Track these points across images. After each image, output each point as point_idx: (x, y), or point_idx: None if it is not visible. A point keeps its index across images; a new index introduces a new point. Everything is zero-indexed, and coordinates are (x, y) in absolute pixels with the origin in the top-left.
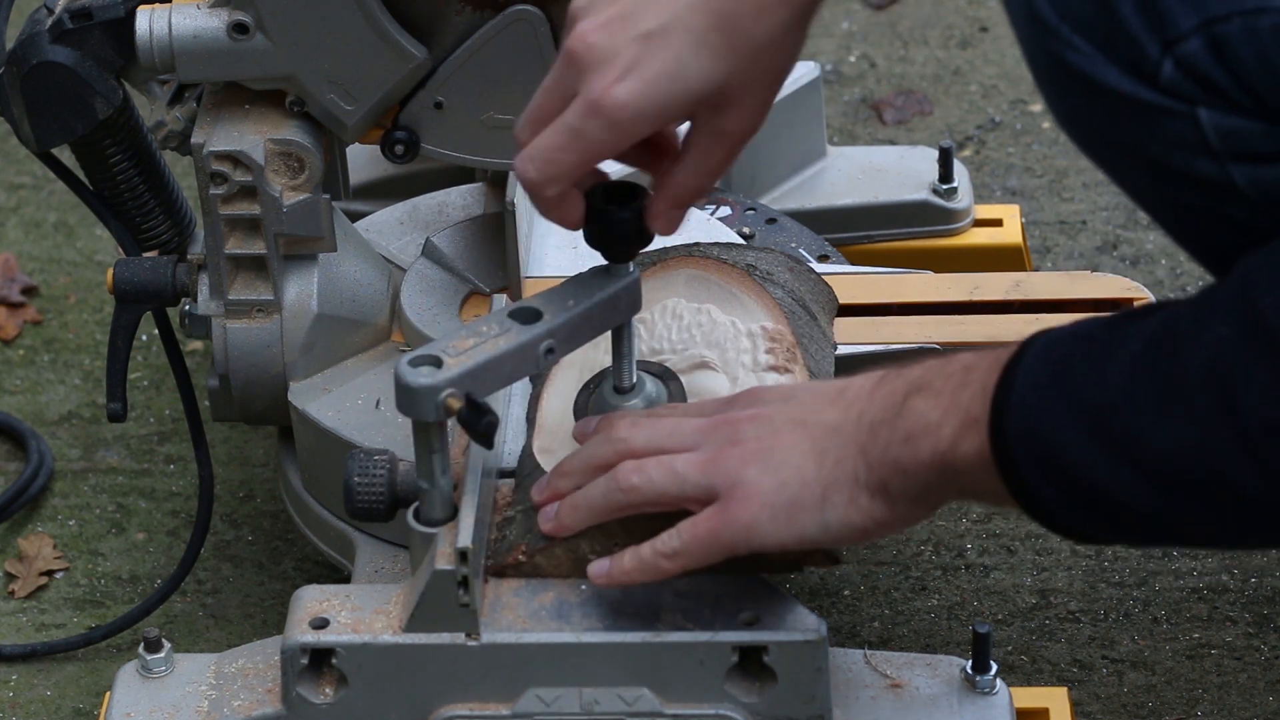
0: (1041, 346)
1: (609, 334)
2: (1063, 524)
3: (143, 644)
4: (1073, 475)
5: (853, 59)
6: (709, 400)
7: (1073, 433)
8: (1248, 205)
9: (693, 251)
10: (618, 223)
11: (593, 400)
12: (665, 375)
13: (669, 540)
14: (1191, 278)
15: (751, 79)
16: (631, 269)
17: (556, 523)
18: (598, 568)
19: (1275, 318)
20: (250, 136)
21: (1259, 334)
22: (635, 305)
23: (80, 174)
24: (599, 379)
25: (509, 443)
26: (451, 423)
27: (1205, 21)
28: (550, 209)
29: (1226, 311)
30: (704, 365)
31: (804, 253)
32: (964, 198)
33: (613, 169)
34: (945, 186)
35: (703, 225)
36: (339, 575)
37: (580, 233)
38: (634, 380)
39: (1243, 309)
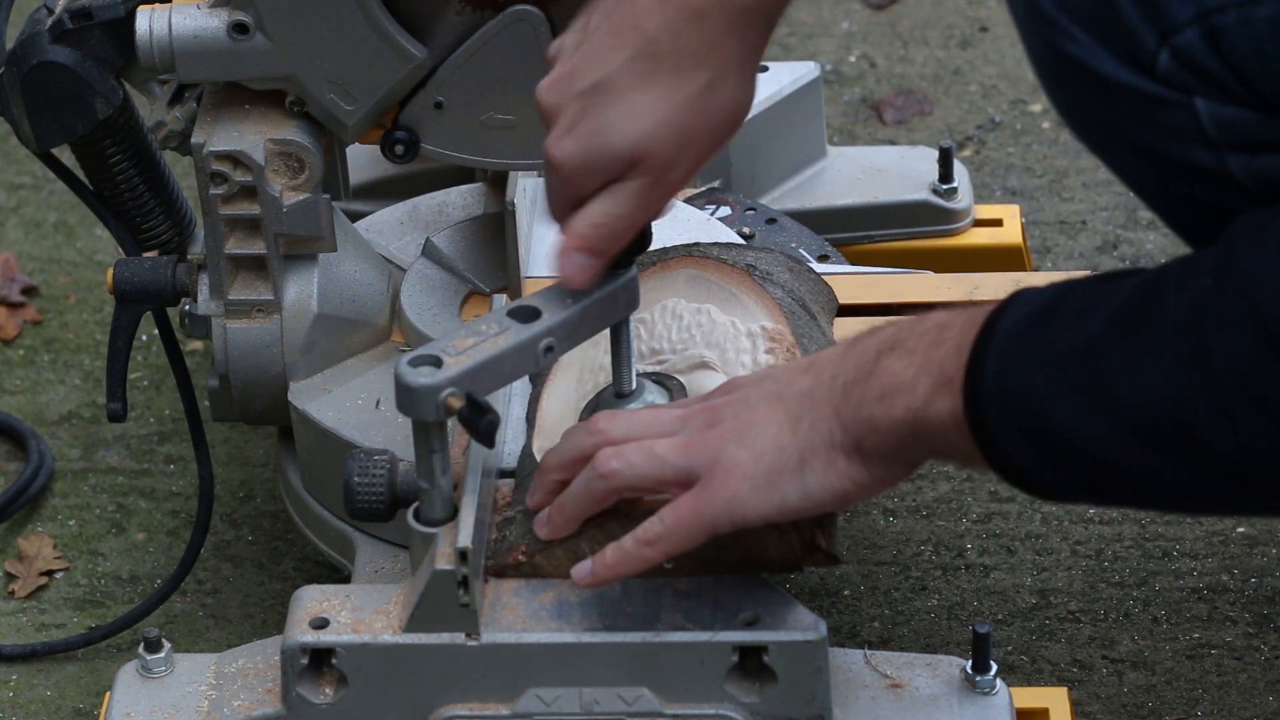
0: (1024, 300)
1: (608, 333)
2: (1032, 481)
3: (143, 644)
4: (1043, 426)
5: (853, 59)
6: (691, 398)
7: (1045, 381)
8: (1245, 195)
9: (692, 251)
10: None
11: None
12: (667, 381)
13: (650, 527)
14: None
15: (673, 137)
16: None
17: (550, 528)
18: (580, 570)
19: (1253, 271)
20: (250, 136)
21: (1237, 287)
22: (633, 302)
23: (80, 174)
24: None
25: (509, 443)
26: (451, 422)
27: (1201, 12)
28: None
29: (1212, 264)
30: (704, 365)
31: (804, 253)
32: (964, 198)
33: None
34: (945, 186)
35: (702, 225)
36: (339, 575)
37: None
38: (634, 385)
39: (1225, 262)
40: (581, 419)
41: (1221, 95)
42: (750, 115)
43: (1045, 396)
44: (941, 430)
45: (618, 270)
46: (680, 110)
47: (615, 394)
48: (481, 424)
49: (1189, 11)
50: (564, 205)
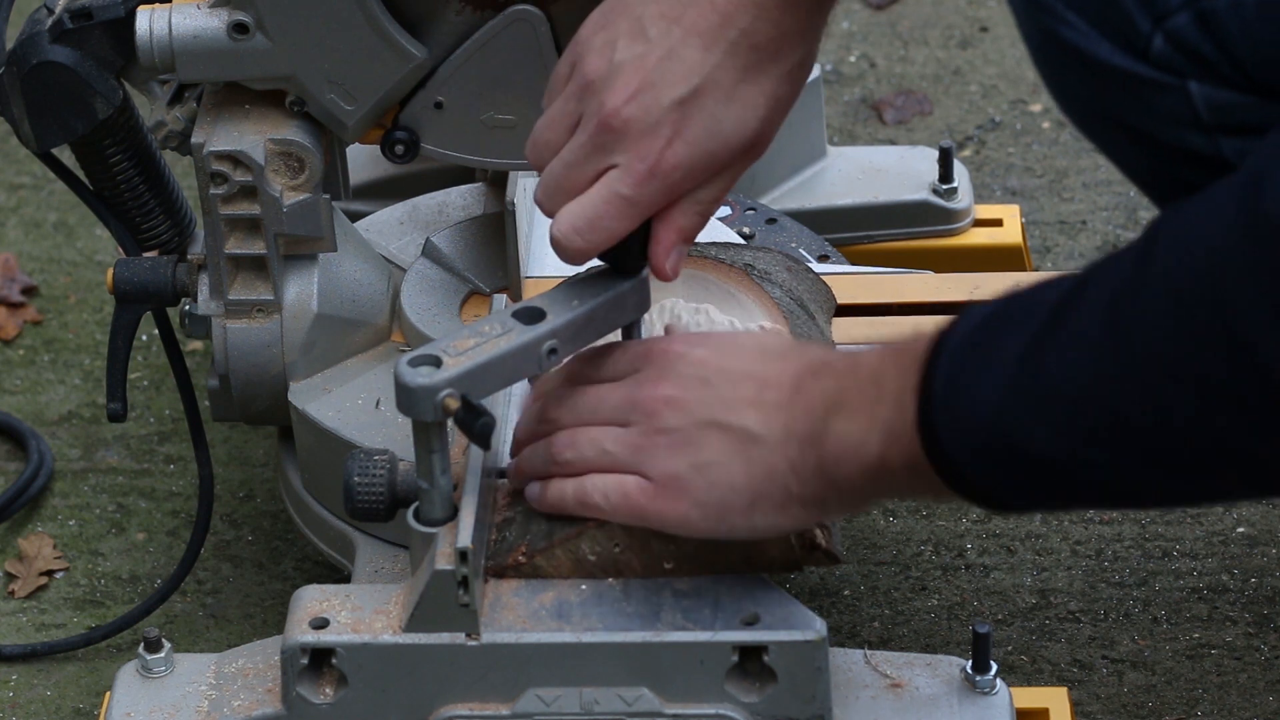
0: (969, 315)
1: (609, 335)
2: (994, 497)
3: (143, 644)
4: (994, 437)
5: (853, 59)
6: (630, 345)
7: (991, 392)
8: None
9: (691, 251)
10: (628, 238)
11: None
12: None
13: (592, 497)
14: None
15: (780, 115)
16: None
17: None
18: (531, 491)
19: (1167, 265)
20: (250, 136)
21: (1154, 277)
22: (643, 305)
23: (80, 174)
24: None
25: (509, 443)
26: (451, 422)
27: None
28: (577, 261)
29: (1134, 256)
30: None
31: (804, 253)
32: (964, 198)
33: None
34: (945, 186)
35: None
36: (339, 575)
37: None
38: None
39: (1145, 252)
40: None
41: (1214, 79)
42: None
43: (992, 406)
44: (903, 476)
45: (626, 274)
46: (784, 89)
47: None
48: (477, 426)
49: None
50: (641, 218)
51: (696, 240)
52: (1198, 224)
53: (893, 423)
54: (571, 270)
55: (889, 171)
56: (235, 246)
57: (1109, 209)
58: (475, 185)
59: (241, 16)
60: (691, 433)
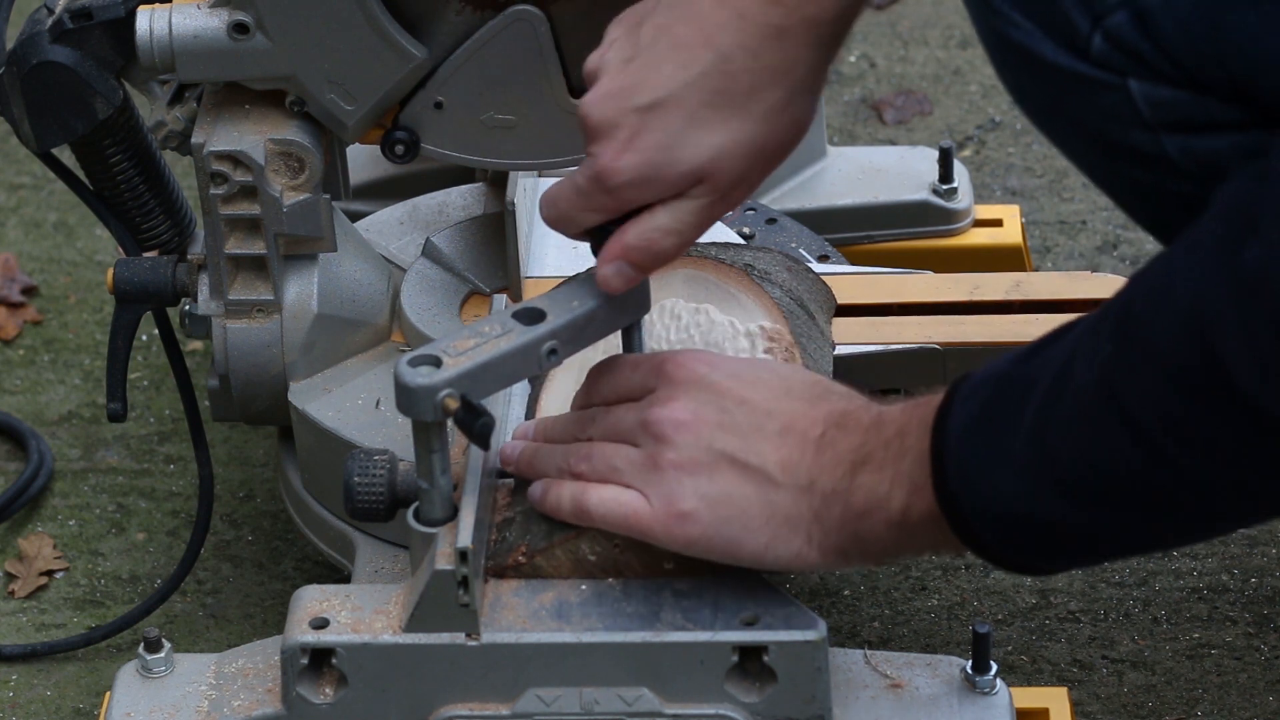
0: (964, 397)
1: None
2: (1021, 565)
3: (143, 644)
4: (1013, 515)
5: (853, 59)
6: (649, 359)
7: (1002, 476)
8: (1185, 178)
9: (690, 251)
10: (603, 234)
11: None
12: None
13: (596, 502)
14: None
15: (742, 155)
16: None
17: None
18: (534, 491)
19: (1149, 329)
20: (250, 136)
21: (1137, 343)
22: (643, 306)
23: (80, 174)
24: None
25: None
26: (451, 423)
27: None
28: (569, 235)
29: (1112, 327)
30: None
31: (804, 253)
32: (964, 198)
33: None
34: (945, 187)
35: None
36: (339, 575)
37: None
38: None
39: (1122, 321)
40: None
41: (1153, 76)
42: None
43: (1005, 488)
44: (926, 532)
45: None
46: (752, 128)
47: None
48: (476, 426)
49: None
50: (598, 215)
51: (697, 240)
52: (1177, 281)
53: (916, 479)
54: (571, 270)
55: (889, 172)
56: (235, 246)
57: (1109, 209)
58: (475, 185)
59: (241, 16)
60: (702, 460)
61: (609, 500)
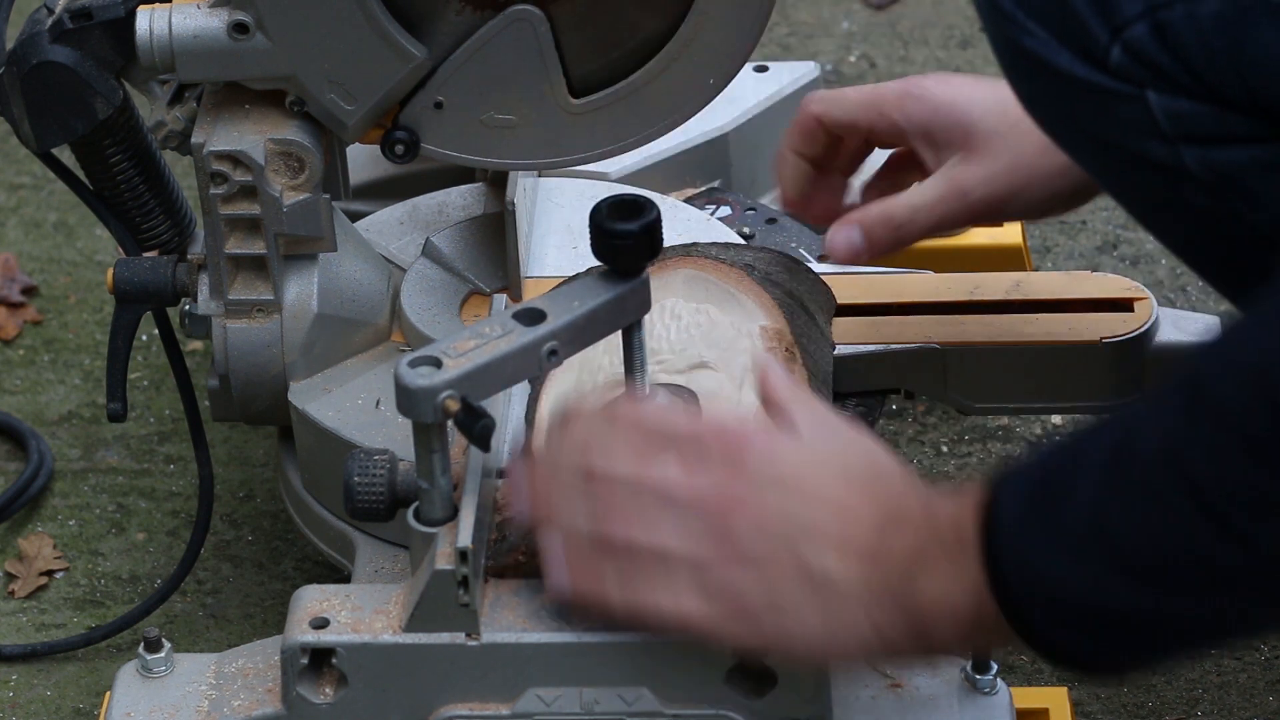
0: (1011, 489)
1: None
2: (1090, 665)
3: (143, 644)
4: (1079, 609)
5: (853, 59)
6: (699, 419)
7: (1062, 568)
8: (1203, 189)
9: (691, 251)
10: (623, 236)
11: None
12: (679, 392)
13: (653, 607)
14: (1192, 277)
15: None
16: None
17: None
18: (554, 555)
19: (1218, 391)
20: (250, 136)
21: (1206, 409)
22: (644, 307)
23: (80, 174)
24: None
25: (509, 442)
26: (451, 423)
27: (1149, 7)
28: None
29: (1175, 393)
30: (703, 365)
31: (804, 253)
32: None
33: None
34: None
35: (702, 225)
36: (339, 575)
37: (580, 233)
38: (646, 392)
39: (1190, 389)
40: None
41: (1172, 89)
42: (750, 116)
43: (1067, 581)
44: (996, 631)
45: (628, 275)
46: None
47: None
48: (476, 428)
49: (1138, 6)
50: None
51: (696, 240)
52: (1247, 346)
53: (977, 579)
54: (571, 270)
55: None
56: (235, 246)
57: (1109, 209)
58: (475, 185)
59: (241, 16)
60: (763, 555)
61: (668, 608)
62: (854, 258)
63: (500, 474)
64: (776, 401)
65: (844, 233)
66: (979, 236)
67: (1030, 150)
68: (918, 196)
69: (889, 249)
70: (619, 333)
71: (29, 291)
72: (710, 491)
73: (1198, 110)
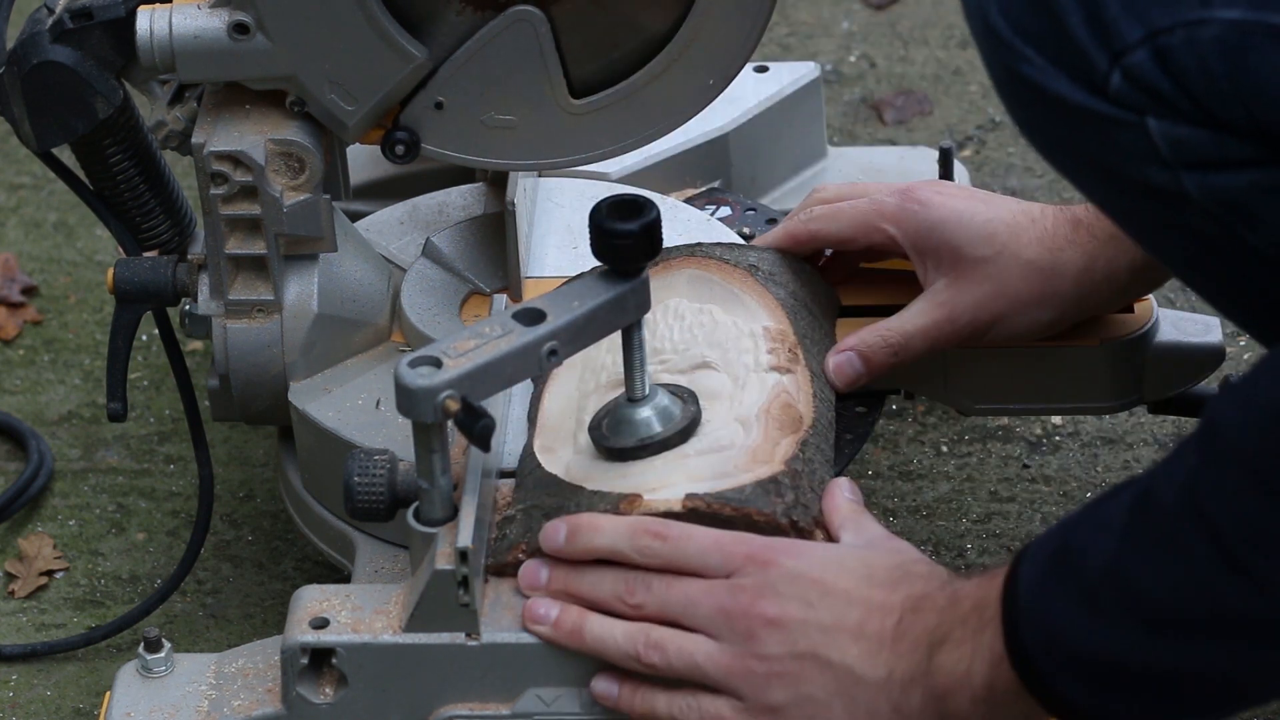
0: (1031, 557)
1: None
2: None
3: (143, 644)
4: (1095, 664)
5: (853, 59)
6: (725, 539)
7: (1081, 621)
8: (1203, 214)
9: (695, 252)
10: (622, 236)
11: (608, 419)
12: (680, 391)
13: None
14: None
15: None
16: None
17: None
18: (604, 688)
19: (1234, 433)
20: (251, 136)
21: (1222, 451)
22: (643, 307)
23: (80, 174)
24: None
25: (509, 442)
26: (451, 423)
27: (1150, 33)
28: None
29: (1193, 441)
30: (706, 365)
31: None
32: None
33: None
34: None
35: (703, 225)
36: (339, 575)
37: (580, 233)
38: (646, 391)
39: (1207, 434)
40: (593, 427)
41: (1173, 115)
42: (750, 116)
43: (1085, 636)
44: (1015, 705)
45: (628, 275)
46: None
47: (628, 399)
48: (476, 428)
49: (1138, 32)
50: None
51: (700, 241)
52: (1261, 386)
53: (997, 650)
54: (572, 270)
55: (889, 171)
56: (235, 246)
57: None
58: (475, 185)
59: (242, 16)
60: (790, 663)
61: (703, 712)
62: (855, 382)
63: (501, 474)
64: (831, 524)
65: (845, 360)
66: None
67: (1013, 278)
68: (909, 322)
69: (888, 372)
70: (619, 333)
71: (29, 291)
72: (738, 610)
73: (1197, 135)
